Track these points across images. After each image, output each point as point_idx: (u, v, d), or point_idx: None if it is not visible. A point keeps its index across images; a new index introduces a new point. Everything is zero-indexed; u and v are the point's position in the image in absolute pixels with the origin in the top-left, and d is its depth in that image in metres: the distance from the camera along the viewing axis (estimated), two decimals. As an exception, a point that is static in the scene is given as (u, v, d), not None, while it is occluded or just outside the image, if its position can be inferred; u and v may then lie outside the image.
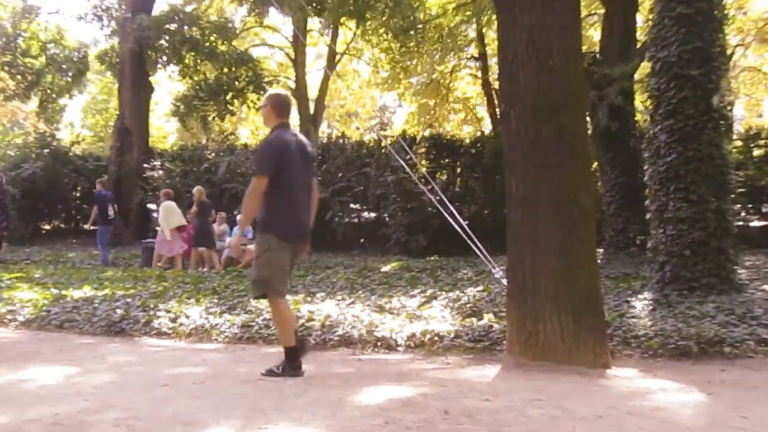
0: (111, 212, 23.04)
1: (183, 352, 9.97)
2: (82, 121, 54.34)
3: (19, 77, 34.98)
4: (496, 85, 30.91)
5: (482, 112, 41.81)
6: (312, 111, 36.61)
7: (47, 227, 35.12)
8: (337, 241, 25.68)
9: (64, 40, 36.81)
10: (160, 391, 7.50)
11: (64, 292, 14.37)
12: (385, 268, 19.48)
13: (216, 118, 34.16)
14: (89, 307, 12.52)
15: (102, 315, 11.84)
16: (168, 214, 21.64)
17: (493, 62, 32.74)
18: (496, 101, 32.68)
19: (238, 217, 21.80)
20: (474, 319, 10.64)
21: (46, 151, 33.08)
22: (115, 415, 6.16)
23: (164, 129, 48.74)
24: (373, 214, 27.75)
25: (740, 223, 19.61)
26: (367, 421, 6.34)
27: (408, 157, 20.42)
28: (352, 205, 27.45)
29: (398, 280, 16.52)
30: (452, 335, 9.90)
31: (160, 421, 6.25)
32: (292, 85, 37.44)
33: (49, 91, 36.47)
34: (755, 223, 24.60)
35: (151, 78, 32.81)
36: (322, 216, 25.39)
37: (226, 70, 31.60)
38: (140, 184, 30.45)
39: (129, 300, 12.99)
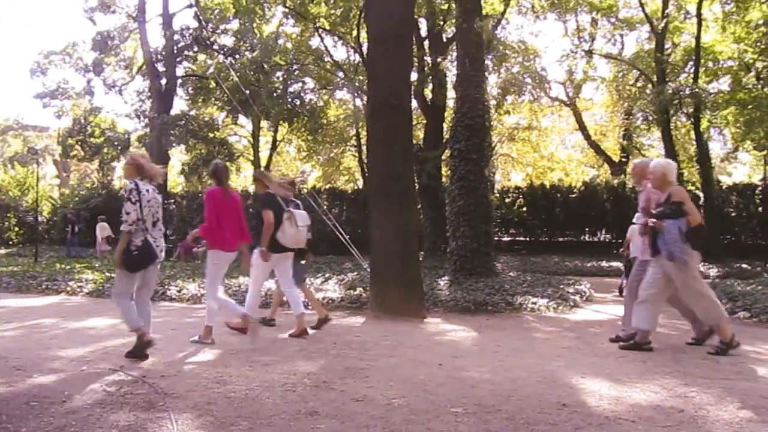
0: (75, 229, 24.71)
1: (185, 309, 9.76)
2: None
3: (87, 149, 33.66)
4: (366, 160, 31.12)
5: (358, 175, 41.84)
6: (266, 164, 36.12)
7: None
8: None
9: (116, 128, 35.53)
10: (169, 332, 7.36)
11: (112, 275, 13.88)
12: (302, 262, 19.32)
13: (207, 177, 33.48)
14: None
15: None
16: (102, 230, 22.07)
17: (364, 148, 32.84)
18: (365, 169, 32.77)
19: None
20: (351, 291, 10.65)
21: (103, 191, 31.94)
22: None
23: (177, 181, 47.38)
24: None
25: (497, 238, 20.06)
26: (289, 347, 6.33)
27: (317, 199, 20.31)
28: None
29: (309, 269, 16.39)
30: (339, 299, 9.89)
31: (167, 351, 6.12)
32: (251, 158, 36.84)
33: (105, 157, 35.11)
34: (505, 238, 25.36)
35: (168, 152, 31.99)
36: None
37: (212, 148, 30.97)
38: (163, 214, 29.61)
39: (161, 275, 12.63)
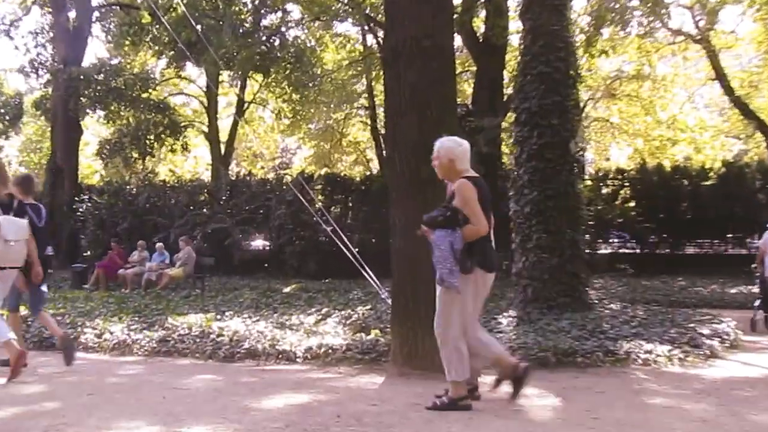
0: None
1: (108, 364, 9.81)
2: (19, 159, 53.14)
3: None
4: (383, 131, 31.09)
5: (371, 154, 41.89)
6: (222, 152, 36.26)
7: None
8: (242, 265, 25.44)
9: (3, 88, 35.97)
10: (86, 398, 7.36)
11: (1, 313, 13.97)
12: (286, 290, 19.39)
13: (137, 159, 33.71)
14: (23, 325, 12.18)
15: (35, 332, 11.54)
16: None
17: (380, 111, 32.87)
18: (382, 145, 32.80)
19: (157, 245, 21.66)
20: (363, 334, 10.60)
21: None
22: (46, 422, 6.03)
23: (93, 167, 47.74)
24: (268, 243, 27.66)
25: (590, 251, 19.89)
26: (269, 424, 6.30)
27: (305, 192, 20.35)
28: (257, 234, 27.42)
29: (297, 300, 16.43)
30: (344, 348, 9.85)
31: (86, 427, 6.12)
32: (206, 129, 37.07)
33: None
34: (602, 251, 25.14)
35: (80, 122, 32.22)
36: (222, 242, 25.30)
37: (146, 116, 31.14)
38: (71, 215, 29.83)
39: (59, 318, 12.65)
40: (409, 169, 8.72)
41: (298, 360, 9.36)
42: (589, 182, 24.54)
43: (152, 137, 32.23)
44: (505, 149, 20.96)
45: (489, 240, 6.88)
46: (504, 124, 20.50)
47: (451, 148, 6.99)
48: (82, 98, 29.09)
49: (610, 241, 26.01)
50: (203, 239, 25.19)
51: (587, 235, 16.75)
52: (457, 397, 6.81)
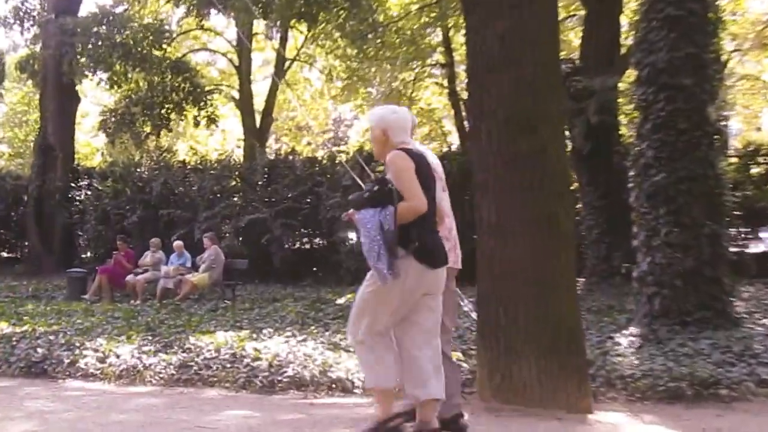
0: None
1: (113, 397, 9.87)
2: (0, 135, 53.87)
3: None
4: (464, 95, 30.94)
5: (449, 125, 41.85)
6: (258, 124, 36.46)
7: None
8: (284, 269, 25.46)
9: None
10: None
11: (-23, 329, 14.17)
12: (340, 300, 19.38)
13: (150, 134, 33.97)
14: (6, 345, 12.35)
15: (21, 354, 11.68)
16: None
17: (461, 70, 32.76)
18: (464, 114, 32.71)
19: (176, 244, 21.80)
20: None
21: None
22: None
23: (92, 144, 48.25)
24: (324, 240, 27.61)
25: (736, 249, 19.58)
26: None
27: (365, 174, 20.27)
28: (301, 230, 27.33)
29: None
30: (416, 375, 9.86)
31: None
32: (236, 95, 37.34)
33: (-41, 101, 36.21)
34: (752, 250, 24.64)
35: (77, 87, 32.57)
36: (259, 240, 25.29)
37: (160, 79, 31.37)
38: (65, 206, 30.19)
39: (52, 337, 12.81)
40: (499, 144, 8.67)
41: (356, 391, 9.38)
42: (734, 160, 24.14)
43: (169, 106, 32.46)
44: (623, 118, 20.73)
45: (433, 230, 7.03)
46: (622, 84, 20.28)
47: (384, 117, 7.24)
48: (78, 57, 29.37)
49: (763, 236, 25.56)
50: (234, 236, 25.33)
51: (732, 229, 16.50)
52: (381, 421, 7.05)
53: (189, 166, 29.95)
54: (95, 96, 43.75)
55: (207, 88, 35.00)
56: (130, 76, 31.61)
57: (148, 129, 33.20)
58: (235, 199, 27.36)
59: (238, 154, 37.92)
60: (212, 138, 47.77)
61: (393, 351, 7.08)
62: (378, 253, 6.61)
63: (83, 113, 42.08)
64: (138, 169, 30.00)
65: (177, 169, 29.76)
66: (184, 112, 33.33)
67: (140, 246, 24.00)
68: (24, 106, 50.04)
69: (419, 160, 6.98)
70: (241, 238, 25.35)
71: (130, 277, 21.59)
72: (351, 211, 7.14)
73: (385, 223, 6.58)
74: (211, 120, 35.07)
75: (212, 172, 28.57)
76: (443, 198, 7.62)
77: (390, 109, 7.35)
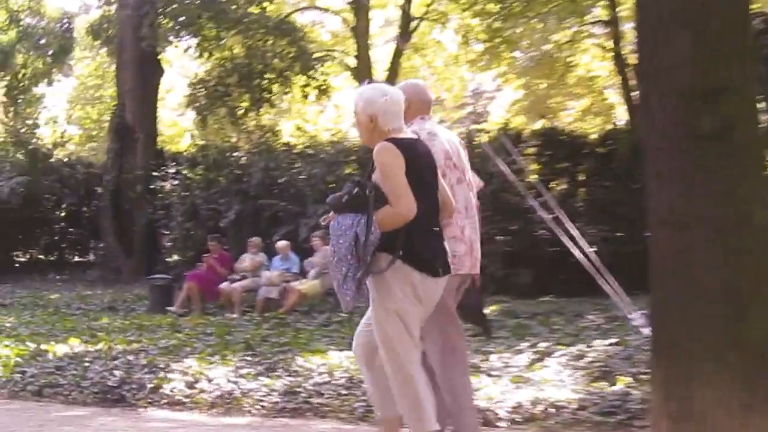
0: None
1: (204, 429, 9.97)
2: (68, 114, 54.09)
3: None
4: (633, 59, 30.67)
5: (614, 97, 41.49)
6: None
7: (22, 259, 35.46)
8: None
9: (42, 8, 37.10)
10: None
11: (44, 347, 14.41)
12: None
13: (249, 110, 34.15)
14: (77, 367, 12.54)
15: (95, 378, 11.86)
16: None
17: (628, 28, 32.47)
18: (632, 82, 32.41)
19: (279, 245, 21.92)
20: (605, 383, 10.54)
21: (22, 157, 33.37)
22: None
23: (179, 125, 48.68)
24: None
25: None
26: None
27: (511, 159, 20.24)
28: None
29: (499, 329, 16.41)
30: (575, 405, 9.81)
31: None
32: (352, 62, 37.43)
33: (21, 75, 36.65)
34: None
35: (160, 56, 32.93)
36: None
37: (262, 42, 31.57)
38: (147, 200, 30.54)
39: (131, 357, 12.99)
40: (675, 119, 8.57)
41: (501, 423, 9.35)
42: None
43: (271, 76, 32.61)
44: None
45: (430, 230, 6.95)
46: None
47: (371, 100, 7.11)
48: (161, 18, 29.73)
49: None
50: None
51: None
52: None
53: (295, 150, 30.02)
54: (182, 66, 44.18)
55: (317, 54, 35.09)
56: (224, 41, 31.88)
57: (245, 104, 33.37)
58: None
59: (355, 135, 37.99)
60: (323, 115, 47.93)
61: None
62: (344, 276, 6.59)
63: (168, 87, 42.56)
64: (234, 154, 30.16)
65: (281, 153, 29.82)
66: (290, 83, 33.45)
67: (237, 247, 24.16)
68: (97, 80, 50.43)
69: (412, 150, 6.94)
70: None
71: (224, 285, 21.69)
72: (331, 214, 7.05)
73: (363, 234, 6.55)
74: (322, 92, 35.15)
75: (324, 156, 28.59)
76: (458, 191, 7.66)
77: (380, 91, 7.24)
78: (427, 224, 6.87)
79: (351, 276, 6.56)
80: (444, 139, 7.85)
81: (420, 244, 6.73)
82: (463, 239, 7.70)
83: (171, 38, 31.07)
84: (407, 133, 7.23)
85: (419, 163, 6.88)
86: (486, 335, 13.34)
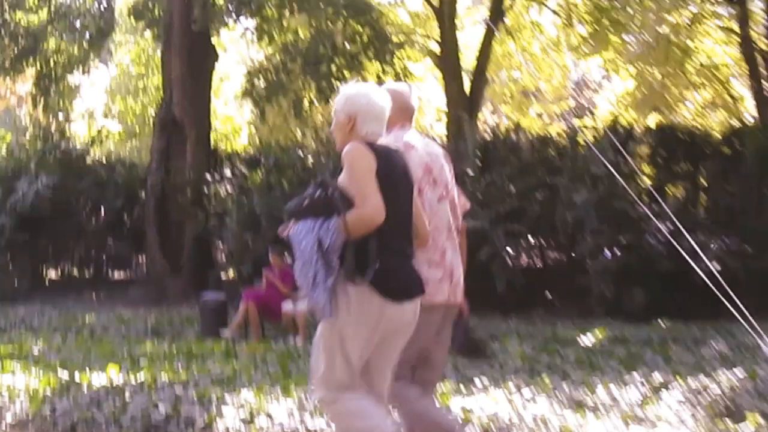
0: None
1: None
2: (107, 107, 54.12)
3: (6, 41, 35.27)
4: (765, 44, 30.51)
5: (742, 90, 41.20)
6: (468, 89, 36.39)
7: (53, 275, 35.63)
8: (509, 295, 25.31)
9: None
10: None
11: (78, 377, 14.46)
12: (586, 340, 19.32)
13: (315, 101, 34.14)
14: (117, 400, 12.59)
15: (137, 413, 11.89)
16: None
17: (758, 9, 32.27)
18: (763, 71, 32.21)
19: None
20: (729, 421, 10.49)
21: (50, 155, 33.51)
22: None
23: (234, 120, 48.77)
24: (563, 253, 27.44)
25: None
26: None
27: (620, 160, 20.14)
28: (529, 239, 27.18)
29: (606, 359, 16.36)
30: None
31: None
32: (435, 47, 37.40)
33: (53, 61, 36.83)
34: None
35: (213, 40, 33.05)
36: (473, 253, 25.03)
37: (332, 24, 31.62)
38: (199, 206, 30.64)
39: (179, 389, 13.02)
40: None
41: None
42: None
43: (341, 61, 32.65)
44: None
45: (401, 250, 7.00)
46: None
47: (352, 99, 7.28)
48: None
49: None
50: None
51: None
52: None
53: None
54: (239, 52, 44.36)
55: (395, 38, 35.08)
56: (286, 23, 31.95)
57: (312, 94, 33.39)
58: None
59: (439, 132, 38.01)
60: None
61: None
62: (313, 280, 6.62)
63: (223, 76, 42.72)
64: (299, 153, 30.20)
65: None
66: (363, 71, 33.43)
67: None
68: (140, 68, 50.62)
69: (386, 157, 6.98)
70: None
71: (287, 305, 21.61)
72: (291, 223, 7.11)
73: (325, 240, 6.56)
74: (401, 81, 34.95)
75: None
76: (439, 209, 7.78)
77: (362, 91, 7.41)
78: (396, 240, 6.92)
79: (321, 280, 6.60)
80: (424, 151, 7.99)
81: (386, 263, 6.74)
82: (443, 263, 7.81)
83: (226, 19, 31.18)
84: (385, 138, 7.35)
85: (393, 172, 6.96)
86: (485, 357, 13.43)
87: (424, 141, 8.34)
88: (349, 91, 7.38)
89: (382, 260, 6.70)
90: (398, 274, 6.91)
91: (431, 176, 7.76)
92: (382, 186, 6.73)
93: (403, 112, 8.18)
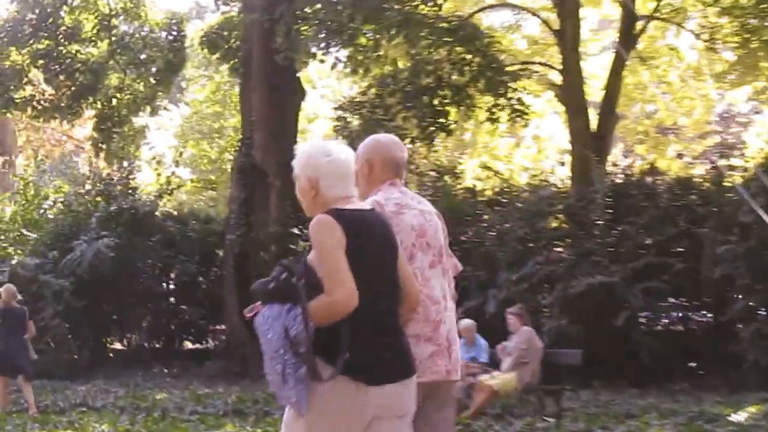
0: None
1: None
2: (178, 153, 53.95)
3: (61, 78, 35.42)
4: None
5: None
6: (595, 125, 36.22)
7: (117, 346, 35.81)
8: (642, 365, 25.15)
9: (143, 11, 37.60)
10: None
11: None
12: (739, 417, 19.16)
13: (417, 140, 34.05)
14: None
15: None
16: None
17: None
18: None
19: (462, 324, 21.86)
20: None
21: (113, 209, 33.73)
22: None
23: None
24: (710, 315, 27.26)
25: None
26: None
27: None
28: (670, 299, 26.97)
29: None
30: None
31: None
32: (557, 78, 37.32)
33: (116, 100, 37.07)
34: None
35: (299, 74, 33.14)
36: (605, 317, 24.87)
37: (436, 52, 31.62)
38: (286, 266, 30.51)
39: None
40: None
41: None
42: None
43: (446, 94, 32.56)
44: None
45: (380, 325, 6.84)
46: None
47: (311, 160, 7.15)
48: (299, 24, 30.00)
49: None
50: (560, 312, 25.27)
51: None
52: None
53: (482, 197, 29.91)
54: (328, 87, 44.45)
55: (509, 68, 34.99)
56: (382, 52, 31.96)
57: (412, 132, 33.30)
58: (560, 249, 27.32)
59: (562, 175, 37.89)
60: (519, 150, 47.74)
61: None
62: (282, 375, 6.57)
63: (310, 116, 42.77)
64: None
65: (463, 200, 29.75)
66: (472, 105, 33.32)
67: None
68: (216, 107, 50.73)
69: (358, 224, 6.88)
70: (571, 316, 25.26)
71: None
72: (257, 304, 6.99)
73: (291, 329, 6.50)
74: (517, 117, 34.78)
75: (520, 204, 28.45)
76: (432, 276, 7.72)
77: (322, 149, 7.24)
78: (373, 318, 6.78)
79: (291, 373, 6.56)
80: (417, 211, 8.00)
81: (360, 345, 6.58)
82: (435, 337, 7.77)
83: (314, 49, 31.31)
84: (361, 202, 7.32)
85: (368, 240, 6.89)
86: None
87: (417, 199, 8.38)
88: (305, 150, 7.33)
89: (357, 341, 6.55)
90: (378, 354, 6.80)
91: (424, 240, 7.83)
92: (353, 260, 6.66)
93: (389, 166, 8.25)
